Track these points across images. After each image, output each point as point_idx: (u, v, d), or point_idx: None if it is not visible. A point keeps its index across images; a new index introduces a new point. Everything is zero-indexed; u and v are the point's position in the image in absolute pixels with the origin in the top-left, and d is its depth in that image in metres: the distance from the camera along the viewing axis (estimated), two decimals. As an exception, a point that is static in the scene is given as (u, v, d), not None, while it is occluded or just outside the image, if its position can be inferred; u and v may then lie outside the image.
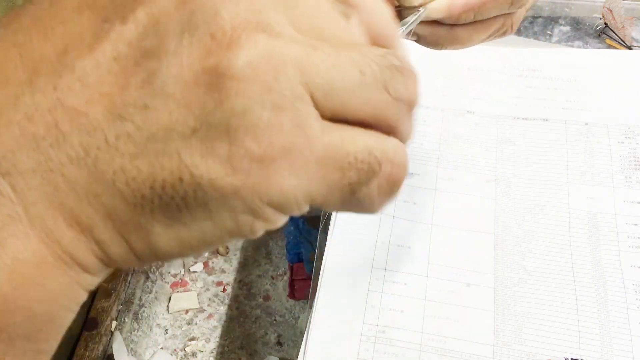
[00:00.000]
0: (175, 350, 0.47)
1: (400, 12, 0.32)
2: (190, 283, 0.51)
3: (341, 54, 0.17)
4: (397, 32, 0.21)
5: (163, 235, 0.18)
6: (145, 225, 0.17)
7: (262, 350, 0.47)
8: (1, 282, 0.16)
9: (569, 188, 0.48)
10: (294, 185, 0.17)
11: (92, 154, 0.16)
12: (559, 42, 0.62)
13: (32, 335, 0.18)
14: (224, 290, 0.50)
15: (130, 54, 0.16)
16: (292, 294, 0.49)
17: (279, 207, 0.17)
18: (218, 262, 0.52)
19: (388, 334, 0.41)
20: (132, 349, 0.47)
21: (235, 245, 0.53)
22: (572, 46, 0.62)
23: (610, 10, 0.61)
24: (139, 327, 0.48)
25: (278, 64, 0.16)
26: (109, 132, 0.16)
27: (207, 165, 0.16)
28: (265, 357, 0.46)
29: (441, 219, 0.47)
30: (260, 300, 0.49)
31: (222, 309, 0.49)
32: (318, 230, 0.47)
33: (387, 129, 0.19)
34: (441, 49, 0.35)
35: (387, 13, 0.20)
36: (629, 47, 0.60)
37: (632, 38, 0.61)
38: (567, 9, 0.64)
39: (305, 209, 0.18)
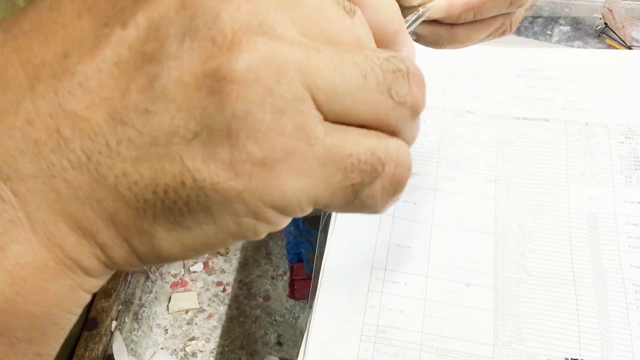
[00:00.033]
0: (175, 350, 0.47)
1: (401, 12, 0.32)
2: (190, 283, 0.51)
3: (344, 57, 0.17)
4: (403, 27, 0.21)
5: (166, 239, 0.18)
6: (148, 229, 0.17)
7: (262, 350, 0.47)
8: (3, 287, 0.16)
9: (569, 188, 0.48)
10: (297, 188, 0.17)
11: (94, 158, 0.16)
12: (559, 42, 0.62)
13: (34, 339, 0.18)
14: (224, 290, 0.50)
15: (131, 59, 0.16)
16: (292, 294, 0.49)
17: (282, 210, 0.17)
18: (218, 262, 0.52)
19: (388, 334, 0.41)
20: (132, 349, 0.47)
21: (235, 246, 0.53)
22: (572, 46, 0.62)
23: (610, 10, 0.61)
24: (139, 327, 0.48)
25: (279, 66, 0.16)
26: (111, 137, 0.16)
27: (209, 169, 0.16)
28: (265, 357, 0.46)
29: (441, 219, 0.47)
30: (260, 300, 0.49)
31: (222, 309, 0.49)
32: (318, 230, 0.47)
33: (390, 132, 0.19)
34: (440, 48, 0.35)
35: (392, 8, 0.20)
36: (629, 47, 0.60)
37: (632, 38, 0.61)
38: (567, 9, 0.64)
39: (308, 210, 0.18)
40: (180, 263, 0.52)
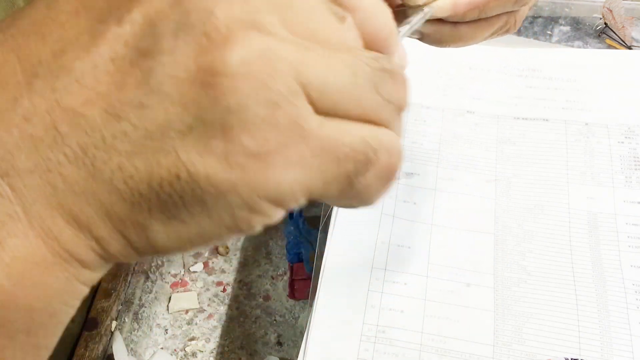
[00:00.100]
0: (175, 350, 0.47)
1: (405, 12, 0.32)
2: (190, 283, 0.51)
3: (334, 55, 0.18)
4: (394, 33, 0.21)
5: (161, 232, 0.18)
6: (144, 222, 0.17)
7: (262, 350, 0.47)
8: (1, 280, 0.17)
9: (569, 188, 0.48)
10: (291, 179, 0.17)
11: (90, 153, 0.17)
12: (559, 42, 0.62)
13: (32, 331, 0.18)
14: (224, 290, 0.50)
15: (126, 54, 0.17)
16: (292, 294, 0.49)
17: (277, 202, 0.18)
18: (218, 262, 0.52)
19: (388, 334, 0.41)
20: (132, 349, 0.47)
21: (235, 245, 0.53)
22: (572, 46, 0.62)
23: (610, 10, 0.61)
24: (139, 327, 0.48)
25: (273, 61, 0.17)
26: (106, 132, 0.16)
27: (203, 162, 0.16)
28: (265, 357, 0.46)
29: (441, 219, 0.47)
30: (260, 300, 0.49)
31: (222, 309, 0.49)
32: (318, 230, 0.47)
33: (379, 125, 0.19)
34: (444, 46, 0.35)
35: (384, 15, 0.20)
36: (629, 47, 0.60)
37: (632, 38, 0.61)
38: (567, 9, 0.64)
39: (302, 202, 0.18)
40: (180, 263, 0.52)
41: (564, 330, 0.41)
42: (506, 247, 0.45)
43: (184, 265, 0.52)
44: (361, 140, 0.18)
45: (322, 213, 0.47)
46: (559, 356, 0.40)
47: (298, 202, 0.18)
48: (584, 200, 0.47)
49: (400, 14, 0.33)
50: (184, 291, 0.50)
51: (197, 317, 0.49)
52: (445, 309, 0.42)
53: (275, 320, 0.48)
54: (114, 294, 0.48)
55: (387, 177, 0.19)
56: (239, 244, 0.53)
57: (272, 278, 0.51)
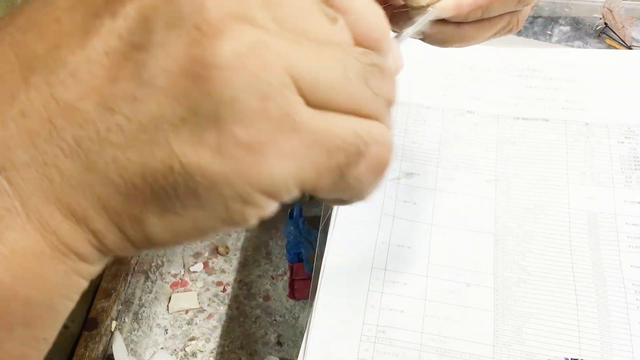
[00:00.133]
0: (175, 350, 0.47)
1: (408, 12, 0.32)
2: (190, 283, 0.51)
3: (324, 50, 0.18)
4: (386, 35, 0.21)
5: (157, 224, 0.18)
6: (139, 215, 0.18)
7: (262, 350, 0.47)
8: (0, 273, 0.17)
9: (569, 188, 0.48)
10: (284, 171, 0.17)
11: (84, 146, 0.17)
12: (559, 42, 0.62)
13: (31, 323, 0.18)
14: (224, 290, 0.50)
15: (120, 48, 0.17)
16: (292, 294, 0.49)
17: (269, 193, 0.18)
18: (218, 262, 0.52)
19: (388, 334, 0.41)
20: (132, 349, 0.47)
21: (235, 245, 0.53)
22: (572, 46, 0.62)
23: (610, 10, 0.61)
24: (139, 327, 0.48)
25: (263, 53, 0.17)
26: (100, 124, 0.17)
27: (196, 154, 0.17)
28: (265, 357, 0.46)
29: (441, 219, 0.47)
30: (260, 300, 0.49)
31: (222, 309, 0.49)
32: (318, 230, 0.47)
33: (369, 118, 0.19)
34: (447, 46, 0.35)
35: (376, 16, 0.21)
36: (629, 47, 0.60)
37: (632, 38, 0.61)
38: (567, 9, 0.64)
39: (295, 194, 0.18)
40: (180, 263, 0.52)
41: (564, 330, 0.41)
42: (506, 247, 0.45)
43: (184, 265, 0.52)
44: (352, 132, 0.18)
45: (322, 213, 0.47)
46: (559, 356, 0.40)
47: (291, 194, 0.18)
48: (584, 200, 0.47)
49: (403, 14, 0.33)
50: (184, 291, 0.50)
51: (197, 317, 0.49)
52: (445, 309, 0.42)
53: (275, 320, 0.48)
54: (114, 294, 0.48)
55: (379, 169, 0.20)
56: (239, 244, 0.53)
57: (272, 278, 0.51)
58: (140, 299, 0.50)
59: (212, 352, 0.47)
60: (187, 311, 0.49)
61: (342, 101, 0.18)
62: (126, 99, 0.17)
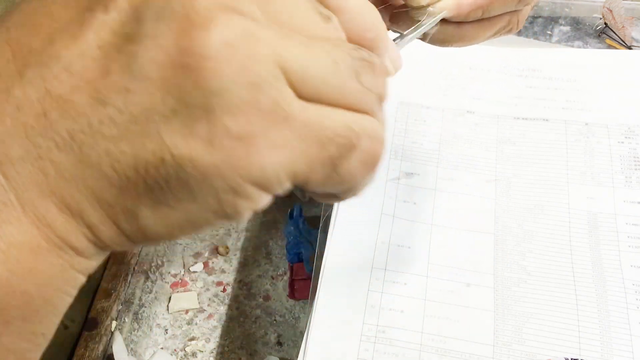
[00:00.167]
0: (175, 350, 0.47)
1: (408, 12, 0.32)
2: (190, 283, 0.51)
3: (314, 43, 0.18)
4: (382, 35, 0.21)
5: (150, 217, 0.18)
6: (133, 208, 0.18)
7: (262, 350, 0.47)
8: None
9: (569, 188, 0.48)
10: (275, 162, 0.17)
11: (77, 139, 0.17)
12: (559, 42, 0.62)
13: (28, 317, 0.18)
14: (224, 290, 0.50)
15: (113, 41, 0.17)
16: (292, 294, 0.49)
17: (261, 185, 0.18)
18: (218, 262, 0.52)
19: (388, 334, 0.41)
20: (132, 349, 0.47)
21: (235, 245, 0.53)
22: (572, 46, 0.62)
23: (610, 10, 0.61)
24: (139, 327, 0.48)
25: (253, 44, 0.17)
26: (93, 117, 0.17)
27: (188, 145, 0.17)
28: (265, 357, 0.46)
29: (441, 219, 0.47)
30: (260, 300, 0.49)
31: (222, 309, 0.49)
32: (318, 230, 0.47)
33: (361, 112, 0.19)
34: (447, 46, 0.35)
35: (371, 16, 0.21)
36: (629, 47, 0.60)
37: (632, 38, 0.61)
38: (567, 9, 0.64)
39: (287, 186, 0.18)
40: (180, 263, 0.52)
41: (564, 330, 0.41)
42: (506, 247, 0.45)
43: (184, 265, 0.52)
44: (344, 124, 0.18)
45: (322, 213, 0.47)
46: (559, 356, 0.40)
47: (283, 186, 0.18)
48: (584, 200, 0.47)
49: (404, 14, 0.33)
50: (184, 291, 0.50)
51: (197, 317, 0.49)
52: (445, 309, 0.42)
53: (275, 320, 0.48)
54: (114, 294, 0.48)
55: (371, 162, 0.20)
56: (239, 244, 0.53)
57: (272, 278, 0.51)
58: (140, 299, 0.50)
59: (212, 352, 0.47)
60: (187, 311, 0.49)
61: (332, 94, 0.18)
62: (118, 91, 0.17)
